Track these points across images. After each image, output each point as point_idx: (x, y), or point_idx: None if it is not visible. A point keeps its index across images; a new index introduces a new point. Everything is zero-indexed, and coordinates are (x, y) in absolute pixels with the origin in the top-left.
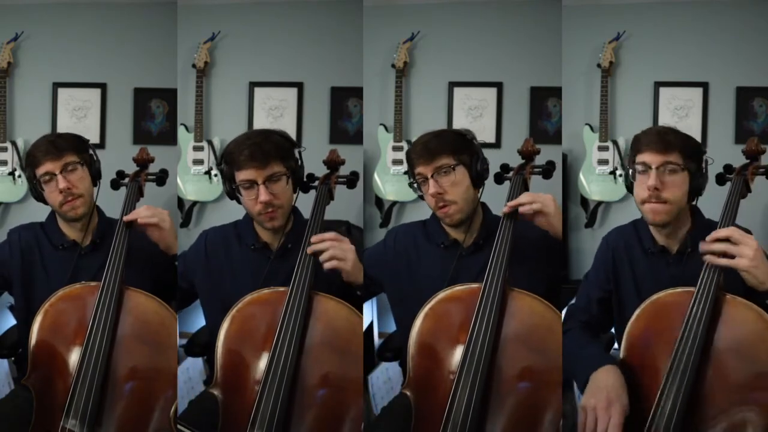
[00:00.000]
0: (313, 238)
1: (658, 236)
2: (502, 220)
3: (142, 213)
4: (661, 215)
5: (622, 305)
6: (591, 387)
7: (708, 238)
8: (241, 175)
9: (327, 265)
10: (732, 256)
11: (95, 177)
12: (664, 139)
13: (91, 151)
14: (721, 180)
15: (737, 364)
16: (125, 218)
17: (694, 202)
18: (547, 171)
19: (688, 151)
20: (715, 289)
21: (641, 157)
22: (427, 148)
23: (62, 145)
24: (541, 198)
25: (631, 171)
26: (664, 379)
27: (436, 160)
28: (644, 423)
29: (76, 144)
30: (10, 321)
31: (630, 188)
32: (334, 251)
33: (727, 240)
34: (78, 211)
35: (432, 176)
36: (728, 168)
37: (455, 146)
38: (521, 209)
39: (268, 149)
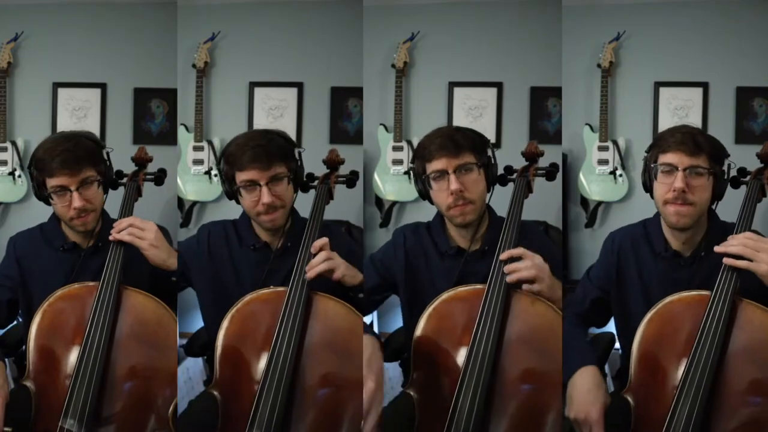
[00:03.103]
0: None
1: (673, 240)
2: (506, 224)
3: (122, 225)
4: (685, 218)
5: (625, 306)
6: (569, 395)
7: (724, 244)
8: (243, 176)
9: (328, 275)
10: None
11: (107, 188)
12: (694, 140)
13: (107, 158)
14: (735, 183)
15: (753, 370)
16: (112, 237)
17: (714, 206)
18: (551, 173)
19: (715, 155)
20: (732, 294)
21: (666, 157)
22: (453, 142)
23: (81, 156)
24: (537, 268)
25: (652, 170)
26: (680, 385)
27: (461, 156)
28: (660, 423)
29: (93, 153)
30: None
31: (646, 186)
32: (328, 264)
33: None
34: (88, 227)
35: (454, 172)
36: (742, 171)
37: (476, 145)
38: (511, 274)
39: (271, 151)
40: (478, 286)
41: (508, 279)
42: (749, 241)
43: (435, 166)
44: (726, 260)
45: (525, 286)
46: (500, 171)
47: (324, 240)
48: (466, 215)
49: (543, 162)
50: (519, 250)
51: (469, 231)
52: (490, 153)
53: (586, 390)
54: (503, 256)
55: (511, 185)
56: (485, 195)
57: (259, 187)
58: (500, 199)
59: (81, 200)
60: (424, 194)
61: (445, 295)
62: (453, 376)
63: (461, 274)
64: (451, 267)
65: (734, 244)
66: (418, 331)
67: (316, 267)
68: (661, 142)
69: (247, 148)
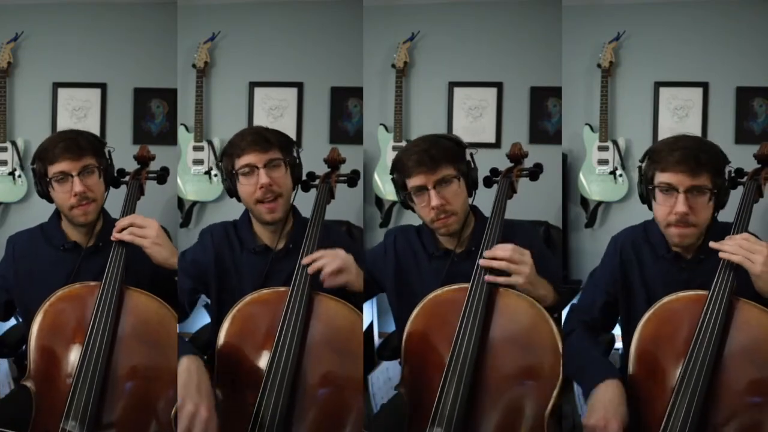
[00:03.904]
0: (306, 260)
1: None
2: (488, 225)
3: (122, 224)
4: (688, 239)
5: (630, 308)
6: (591, 404)
7: (719, 243)
8: (242, 161)
9: (335, 281)
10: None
11: (108, 182)
12: (696, 159)
13: (107, 155)
14: (733, 183)
15: (750, 369)
16: (113, 237)
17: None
18: (534, 173)
19: (717, 169)
20: (729, 294)
21: (665, 177)
22: (429, 157)
23: (83, 145)
24: (522, 263)
25: (649, 186)
26: (677, 384)
27: (439, 171)
28: (657, 425)
29: (95, 146)
30: (11, 320)
31: (643, 197)
32: (337, 263)
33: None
34: (88, 217)
35: (434, 187)
36: (740, 172)
37: (453, 155)
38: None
39: (268, 137)
40: (464, 285)
41: (486, 278)
42: (745, 242)
43: (414, 182)
44: (722, 254)
45: (502, 279)
46: (500, 169)
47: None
48: (450, 226)
49: (541, 160)
50: (499, 249)
51: (454, 236)
52: (468, 158)
53: (608, 400)
54: (483, 262)
55: (496, 187)
56: (467, 203)
57: (257, 171)
58: (487, 201)
59: (82, 185)
60: (407, 205)
61: (432, 295)
62: (440, 373)
63: (449, 275)
64: (439, 268)
65: (730, 244)
66: (407, 329)
67: (319, 265)
68: (658, 158)
69: (247, 134)
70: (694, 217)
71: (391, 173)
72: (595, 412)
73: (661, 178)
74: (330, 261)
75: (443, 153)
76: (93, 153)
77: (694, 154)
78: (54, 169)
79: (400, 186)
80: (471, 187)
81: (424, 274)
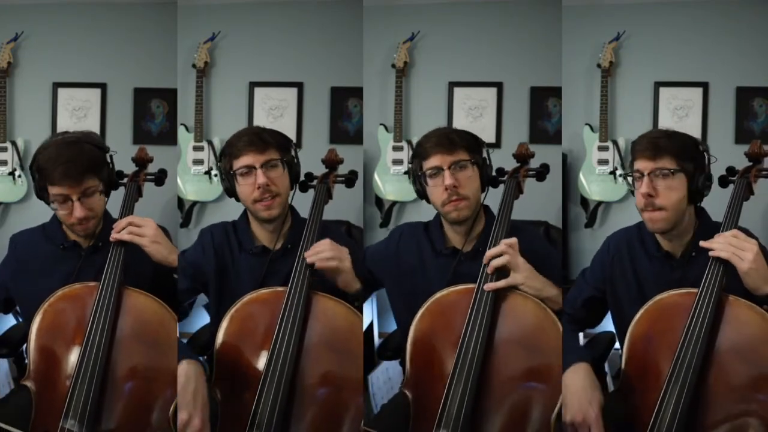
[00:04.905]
0: (307, 253)
1: (663, 241)
2: (495, 224)
3: (121, 225)
4: (658, 223)
5: (620, 307)
6: (564, 395)
7: (709, 241)
8: (240, 162)
9: (324, 264)
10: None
11: (110, 189)
12: (655, 144)
13: (109, 161)
14: (723, 182)
15: (739, 366)
16: (112, 237)
17: (699, 203)
18: (541, 174)
19: (683, 154)
20: (718, 290)
21: (636, 164)
22: (449, 140)
23: (84, 167)
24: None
25: (631, 178)
26: (667, 381)
27: (456, 153)
28: (647, 424)
29: (97, 163)
30: (11, 320)
31: (633, 192)
32: (333, 252)
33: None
34: (89, 231)
35: (449, 168)
36: (731, 170)
37: (471, 145)
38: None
39: (266, 139)
40: (470, 286)
41: (486, 287)
42: (734, 239)
43: (431, 163)
44: (711, 253)
45: (503, 282)
46: (494, 172)
47: (325, 241)
48: (461, 211)
49: (540, 160)
50: (499, 248)
51: (464, 229)
52: (485, 154)
53: (580, 389)
54: (485, 260)
55: (502, 187)
56: (479, 193)
57: (254, 171)
58: (495, 201)
59: (83, 210)
60: (422, 193)
61: (437, 295)
62: (446, 375)
63: (455, 274)
64: (444, 266)
65: (719, 241)
66: (412, 330)
67: (317, 257)
68: (632, 150)
69: (243, 135)
70: (660, 199)
71: (410, 162)
72: (570, 407)
73: (634, 166)
74: (326, 250)
75: (461, 139)
76: (94, 171)
77: (654, 141)
78: (54, 191)
79: (416, 171)
80: (485, 182)
81: (429, 271)
